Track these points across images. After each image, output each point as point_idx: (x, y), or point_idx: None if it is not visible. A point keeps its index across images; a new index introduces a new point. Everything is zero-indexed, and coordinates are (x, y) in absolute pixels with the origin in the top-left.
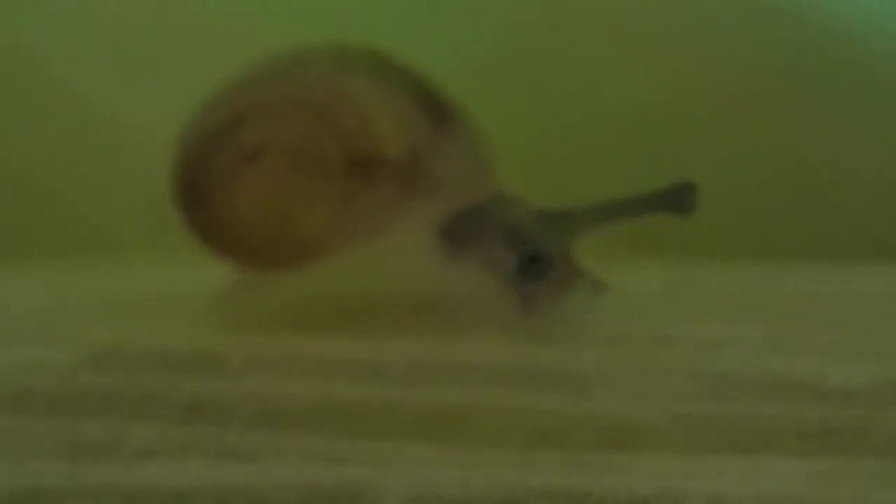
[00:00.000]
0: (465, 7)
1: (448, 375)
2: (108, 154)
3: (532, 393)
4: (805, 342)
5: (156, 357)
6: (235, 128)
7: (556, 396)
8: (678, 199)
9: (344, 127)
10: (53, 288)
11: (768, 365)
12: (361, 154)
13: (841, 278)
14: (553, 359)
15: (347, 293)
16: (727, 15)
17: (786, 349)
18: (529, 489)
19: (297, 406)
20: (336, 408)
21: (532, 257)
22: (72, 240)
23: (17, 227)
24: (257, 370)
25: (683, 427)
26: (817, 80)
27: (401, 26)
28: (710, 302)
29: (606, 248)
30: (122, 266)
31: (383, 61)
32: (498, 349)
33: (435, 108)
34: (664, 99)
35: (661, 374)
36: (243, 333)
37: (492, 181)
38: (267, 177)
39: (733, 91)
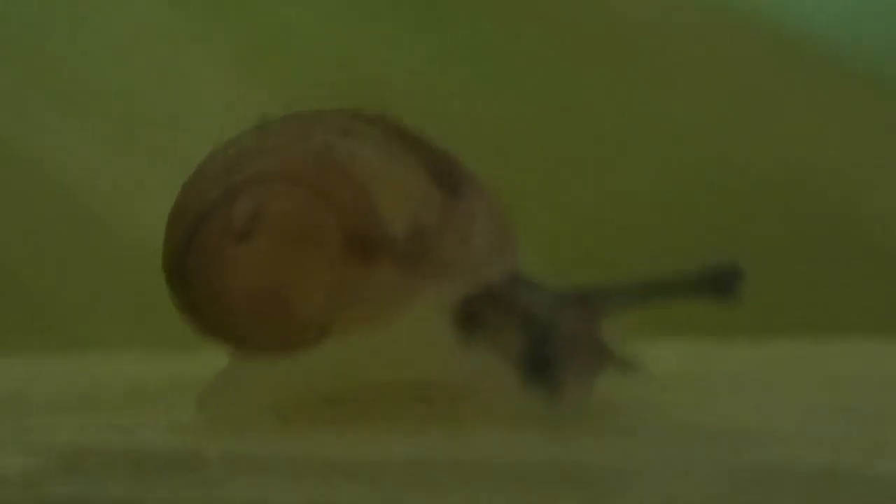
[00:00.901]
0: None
1: (455, 476)
2: (87, 243)
3: (550, 496)
4: (852, 432)
5: (129, 460)
6: (226, 203)
7: (576, 500)
8: (722, 285)
9: (342, 201)
10: (15, 386)
11: (812, 457)
12: (361, 232)
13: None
14: (573, 455)
15: (342, 384)
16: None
17: (830, 440)
18: None
19: None
20: None
21: (537, 353)
22: (39, 334)
23: None
24: (241, 473)
25: None
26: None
27: (422, 83)
28: (744, 386)
29: (623, 327)
30: (91, 360)
31: (391, 128)
32: (511, 445)
33: (446, 178)
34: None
35: (694, 472)
36: (225, 431)
37: (509, 259)
38: (259, 255)
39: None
